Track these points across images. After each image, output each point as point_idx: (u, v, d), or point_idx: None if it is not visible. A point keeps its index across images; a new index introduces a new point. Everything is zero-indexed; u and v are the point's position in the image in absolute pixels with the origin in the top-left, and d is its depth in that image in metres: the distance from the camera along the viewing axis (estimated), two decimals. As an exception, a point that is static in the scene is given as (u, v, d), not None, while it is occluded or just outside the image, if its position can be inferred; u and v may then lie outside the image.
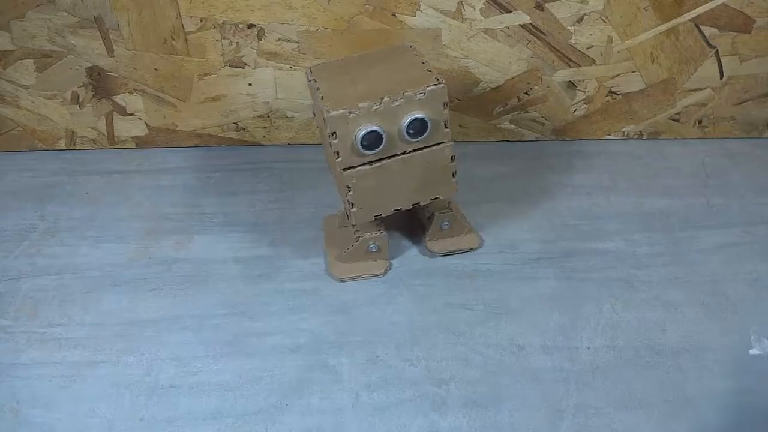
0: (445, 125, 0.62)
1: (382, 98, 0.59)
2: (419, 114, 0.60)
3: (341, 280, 0.69)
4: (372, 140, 0.60)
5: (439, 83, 0.60)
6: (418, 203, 0.66)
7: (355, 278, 0.69)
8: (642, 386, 0.59)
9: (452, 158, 0.64)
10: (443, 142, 0.63)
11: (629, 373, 0.60)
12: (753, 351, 0.61)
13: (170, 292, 0.69)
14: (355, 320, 0.66)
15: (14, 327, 0.66)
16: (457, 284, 0.69)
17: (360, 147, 0.60)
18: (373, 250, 0.69)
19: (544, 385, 0.59)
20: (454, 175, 0.66)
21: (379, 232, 0.69)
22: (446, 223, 0.70)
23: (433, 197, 0.67)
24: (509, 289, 0.68)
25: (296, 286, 0.69)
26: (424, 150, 0.63)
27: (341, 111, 0.59)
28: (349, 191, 0.63)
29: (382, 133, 0.60)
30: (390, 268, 0.70)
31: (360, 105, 0.59)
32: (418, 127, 0.61)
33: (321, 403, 0.58)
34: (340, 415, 0.57)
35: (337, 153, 0.61)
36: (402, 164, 0.63)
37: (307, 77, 0.66)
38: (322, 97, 0.61)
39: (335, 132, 0.60)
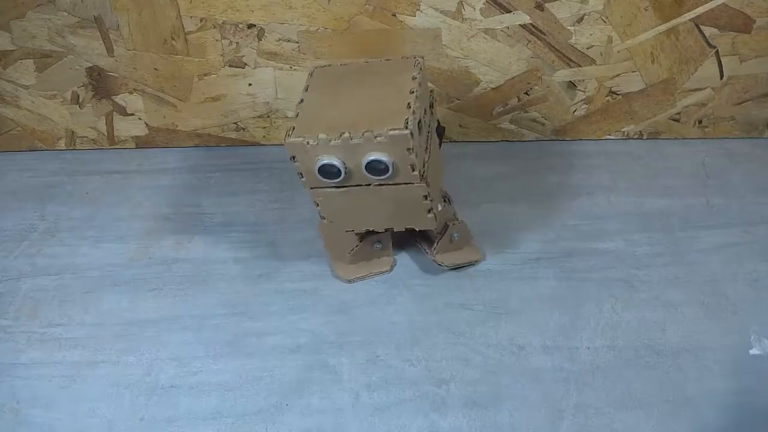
0: (413, 168, 0.58)
1: (342, 134, 0.57)
2: (378, 156, 0.57)
3: (349, 281, 0.69)
4: (328, 172, 0.58)
5: (404, 129, 0.56)
6: (392, 229, 0.65)
7: (363, 278, 0.69)
8: (642, 386, 0.59)
9: (426, 197, 0.61)
10: (412, 183, 0.60)
11: (629, 373, 0.60)
12: (753, 351, 0.61)
13: (170, 292, 0.69)
14: (355, 320, 0.66)
15: (14, 327, 0.66)
16: (457, 284, 0.69)
17: (318, 175, 0.59)
18: (378, 247, 0.69)
19: (544, 385, 0.59)
20: (430, 211, 0.62)
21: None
22: (456, 234, 0.69)
23: (408, 227, 0.64)
24: (509, 289, 0.68)
25: (296, 286, 0.69)
26: (393, 186, 0.60)
27: (300, 139, 0.57)
28: (317, 206, 0.62)
29: (341, 168, 0.58)
30: (395, 264, 0.70)
31: (319, 137, 0.57)
32: (378, 167, 0.58)
33: (321, 403, 0.58)
34: (340, 415, 0.57)
35: (300, 174, 0.60)
36: (370, 193, 0.61)
37: (309, 75, 0.65)
38: (297, 114, 0.60)
39: (294, 156, 0.59)
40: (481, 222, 0.76)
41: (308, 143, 0.57)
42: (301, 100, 0.62)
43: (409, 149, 0.57)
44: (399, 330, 0.64)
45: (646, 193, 0.80)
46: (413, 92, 0.60)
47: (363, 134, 0.56)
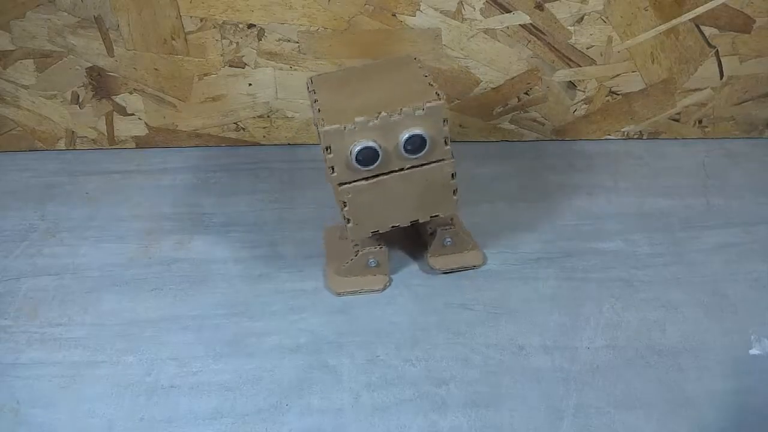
0: (446, 142, 0.60)
1: (380, 113, 0.57)
2: (417, 130, 0.58)
3: (339, 294, 0.68)
4: (368, 156, 0.59)
5: (439, 99, 0.58)
6: (417, 220, 0.65)
7: (353, 293, 0.68)
8: (642, 386, 0.59)
9: (453, 175, 0.62)
10: (443, 159, 0.61)
11: (629, 373, 0.60)
12: (753, 351, 0.61)
13: (170, 292, 0.69)
14: (355, 320, 0.66)
15: (14, 327, 0.66)
16: (457, 284, 0.69)
17: (355, 162, 0.59)
18: (373, 265, 0.68)
19: (544, 385, 0.59)
20: (454, 192, 0.63)
21: (378, 247, 0.67)
22: (449, 239, 0.68)
23: (433, 215, 0.65)
24: (509, 289, 0.68)
25: (296, 286, 0.69)
26: (423, 167, 0.61)
27: (336, 125, 0.57)
28: (345, 206, 0.62)
29: (378, 150, 0.58)
30: (389, 284, 0.69)
31: (356, 120, 0.57)
32: (417, 143, 0.59)
33: (321, 403, 0.58)
34: (340, 415, 0.57)
35: (332, 168, 0.59)
36: (400, 180, 0.61)
37: (307, 87, 0.65)
38: (319, 110, 0.60)
39: (330, 146, 0.58)
40: (481, 222, 0.76)
41: (345, 128, 0.57)
42: (315, 100, 0.62)
43: (445, 120, 0.59)
44: (399, 330, 0.64)
45: (646, 193, 0.80)
46: (427, 76, 0.62)
47: (401, 110, 0.57)
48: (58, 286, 0.70)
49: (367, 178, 0.61)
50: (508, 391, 0.59)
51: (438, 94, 0.59)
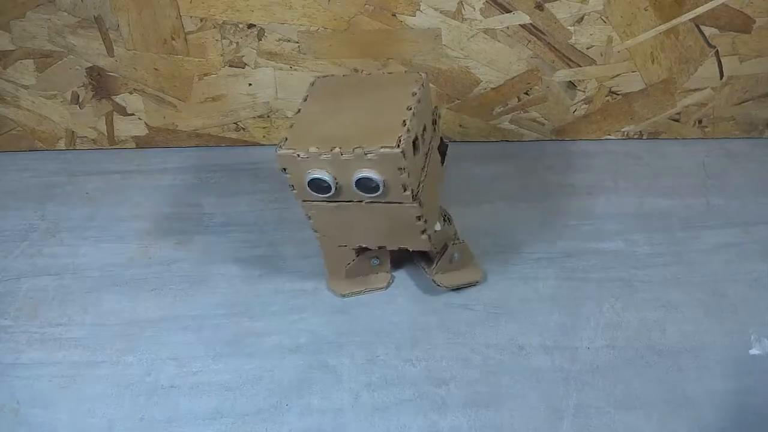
0: (404, 188, 0.56)
1: (333, 148, 0.55)
2: (369, 173, 0.55)
3: (343, 295, 0.68)
4: (319, 187, 0.57)
5: (395, 147, 0.54)
6: (384, 246, 0.63)
7: (358, 293, 0.68)
8: (642, 386, 0.59)
9: (419, 218, 0.59)
10: (403, 203, 0.58)
11: (629, 373, 0.60)
12: (753, 351, 0.61)
13: (170, 292, 0.69)
14: (355, 320, 0.66)
15: (14, 327, 0.66)
16: (457, 284, 0.69)
17: (308, 188, 0.58)
18: (376, 263, 0.68)
19: (544, 385, 0.59)
20: (423, 232, 0.60)
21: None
22: (457, 255, 0.67)
23: (402, 247, 0.63)
24: (509, 289, 0.68)
25: (296, 286, 0.69)
26: (386, 204, 0.58)
27: (290, 151, 0.56)
28: (310, 219, 0.61)
29: (330, 183, 0.56)
30: (392, 281, 0.70)
31: (310, 150, 0.56)
32: (369, 185, 0.56)
33: (321, 403, 0.58)
34: (340, 415, 0.57)
35: (292, 186, 0.59)
36: (361, 210, 0.59)
37: (310, 85, 0.64)
38: (292, 125, 0.59)
39: (285, 168, 0.57)
40: (481, 222, 0.76)
41: (299, 156, 0.56)
42: (299, 110, 0.61)
43: (400, 168, 0.55)
44: (399, 330, 0.64)
45: (646, 193, 0.80)
46: (410, 109, 0.58)
47: (354, 150, 0.54)
48: (58, 286, 0.70)
49: (328, 200, 0.59)
50: (508, 391, 0.59)
51: (399, 140, 0.54)
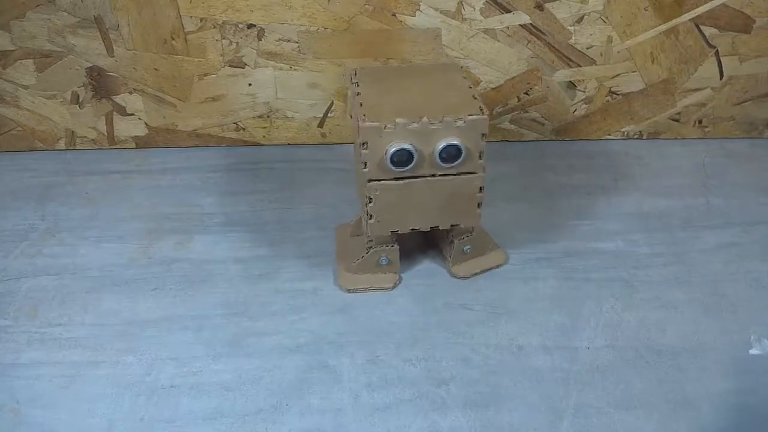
0: (480, 156, 0.60)
1: (421, 117, 0.58)
2: (455, 141, 0.58)
3: (349, 291, 0.68)
4: (402, 158, 0.59)
5: (482, 113, 0.58)
6: (437, 226, 0.65)
7: (363, 290, 0.68)
8: (642, 386, 0.59)
9: (480, 189, 0.63)
10: (474, 173, 0.62)
11: (629, 373, 0.60)
12: (753, 351, 0.61)
13: (170, 292, 0.69)
14: (355, 320, 0.66)
15: (14, 327, 0.66)
16: (457, 284, 0.69)
17: (389, 162, 0.59)
18: (384, 263, 0.68)
19: (544, 385, 0.59)
20: (479, 205, 0.64)
21: (391, 245, 0.67)
22: (468, 247, 0.68)
23: (454, 224, 0.65)
24: (509, 289, 0.68)
25: (296, 286, 0.69)
26: (453, 176, 0.61)
27: (377, 123, 0.58)
28: (370, 202, 0.62)
29: (414, 153, 0.58)
30: (399, 282, 0.69)
31: (397, 120, 0.57)
32: (452, 153, 0.59)
33: (321, 403, 0.58)
34: (340, 415, 0.57)
35: (365, 163, 0.60)
36: (427, 186, 0.62)
37: (351, 79, 0.65)
38: (361, 104, 0.60)
39: (366, 142, 0.58)
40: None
41: (385, 127, 0.58)
42: (358, 93, 0.62)
43: (484, 134, 0.59)
44: (399, 330, 0.64)
45: (646, 193, 0.80)
46: (471, 87, 0.63)
47: (442, 119, 0.58)
48: (58, 286, 0.70)
49: (396, 179, 0.61)
50: (508, 391, 0.59)
51: (481, 109, 0.59)
